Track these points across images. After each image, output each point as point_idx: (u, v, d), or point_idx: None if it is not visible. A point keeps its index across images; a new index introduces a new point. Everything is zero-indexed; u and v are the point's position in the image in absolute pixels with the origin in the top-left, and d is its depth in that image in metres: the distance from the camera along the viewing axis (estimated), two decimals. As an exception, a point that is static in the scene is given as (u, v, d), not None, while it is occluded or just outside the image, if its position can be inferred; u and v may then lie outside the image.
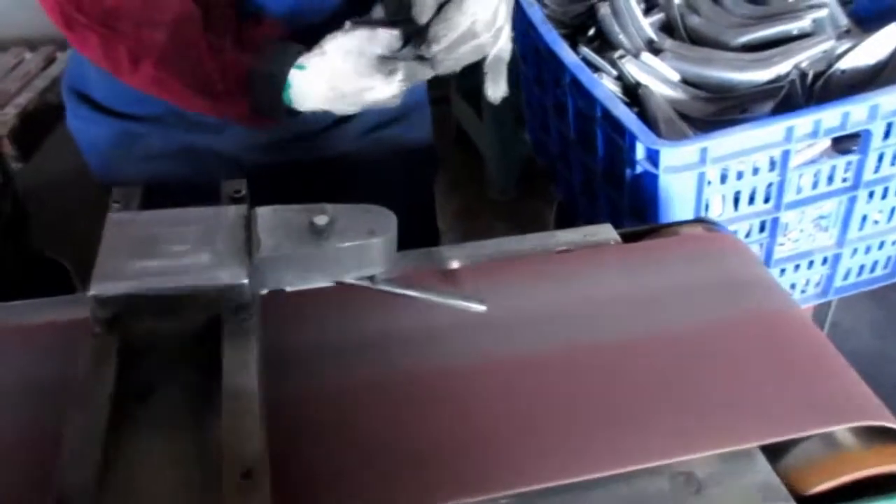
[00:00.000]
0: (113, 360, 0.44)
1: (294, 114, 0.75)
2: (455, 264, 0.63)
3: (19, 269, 1.15)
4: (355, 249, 0.49)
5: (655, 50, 1.00)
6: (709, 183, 0.84)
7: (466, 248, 0.65)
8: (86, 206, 1.34)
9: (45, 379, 0.51)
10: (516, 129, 1.91)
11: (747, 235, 0.92)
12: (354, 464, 0.46)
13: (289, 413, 0.48)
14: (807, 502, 0.49)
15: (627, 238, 0.68)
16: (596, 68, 0.99)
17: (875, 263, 1.00)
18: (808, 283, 1.00)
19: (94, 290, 0.45)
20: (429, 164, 1.11)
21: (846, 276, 1.00)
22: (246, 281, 0.46)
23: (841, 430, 0.52)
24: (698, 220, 0.72)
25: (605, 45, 1.07)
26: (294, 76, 0.71)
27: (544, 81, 1.11)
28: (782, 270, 0.96)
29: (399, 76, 0.68)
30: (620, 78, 0.98)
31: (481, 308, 0.56)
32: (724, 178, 0.85)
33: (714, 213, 0.88)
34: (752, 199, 0.89)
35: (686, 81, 0.98)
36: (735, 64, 0.95)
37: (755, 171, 0.85)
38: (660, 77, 0.97)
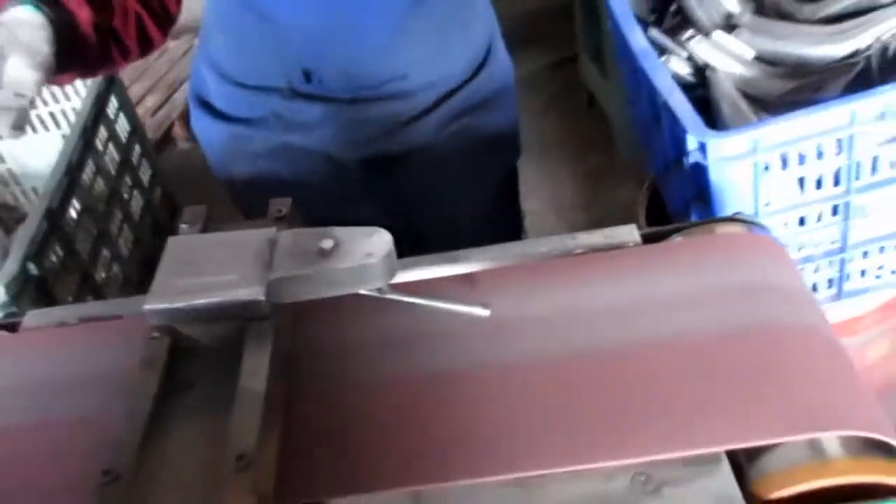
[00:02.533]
0: (163, 359, 0.56)
1: None
2: (475, 267, 0.69)
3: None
4: (355, 270, 0.56)
5: (732, 26, 0.97)
6: (766, 169, 0.82)
7: (488, 252, 0.70)
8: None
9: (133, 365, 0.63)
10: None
11: (819, 220, 0.88)
12: (372, 446, 0.55)
13: (316, 401, 0.58)
14: (776, 507, 0.51)
15: (650, 239, 0.70)
16: (667, 50, 0.98)
17: (980, 245, 0.93)
18: (898, 265, 0.94)
19: (148, 304, 0.57)
20: (512, 149, 1.14)
21: (945, 259, 0.94)
22: (262, 298, 0.56)
23: (824, 438, 0.53)
24: (735, 218, 0.71)
25: (686, 20, 1.05)
26: None
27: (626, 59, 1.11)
28: (864, 253, 0.92)
29: None
30: (692, 59, 0.97)
31: (484, 313, 0.61)
32: (785, 163, 0.83)
33: (778, 200, 0.86)
34: (820, 184, 0.86)
35: (760, 59, 0.94)
36: (812, 38, 0.90)
37: (819, 154, 0.82)
38: (732, 55, 0.94)
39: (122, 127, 1.25)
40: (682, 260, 0.66)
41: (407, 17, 0.90)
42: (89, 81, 1.22)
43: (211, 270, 0.58)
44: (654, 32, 1.00)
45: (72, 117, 1.36)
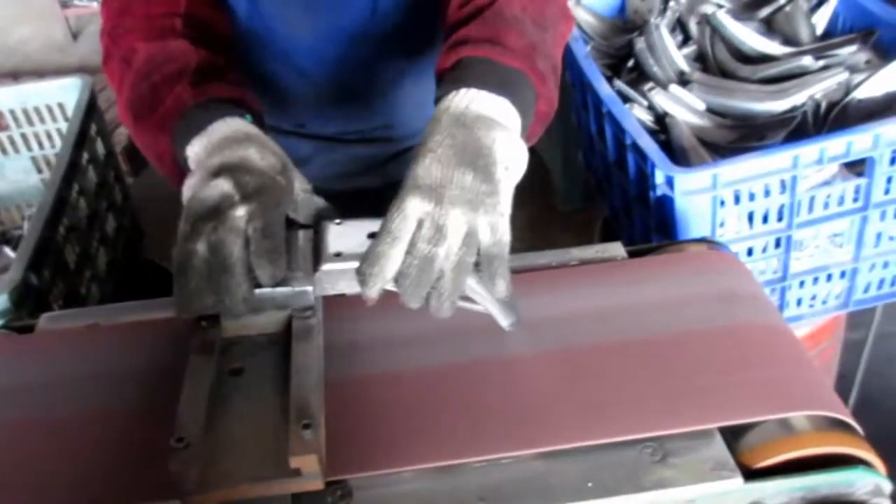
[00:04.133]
0: (215, 346, 0.60)
1: None
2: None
3: (135, 276, 1.35)
4: (395, 265, 0.63)
5: (685, 81, 1.11)
6: (722, 204, 0.94)
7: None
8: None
9: (152, 365, 0.66)
10: (576, 146, 2.02)
11: (764, 251, 1.01)
12: (390, 425, 0.60)
13: (345, 388, 0.63)
14: (759, 475, 0.59)
15: (635, 255, 0.79)
16: (629, 99, 1.10)
17: (895, 277, 1.07)
18: (828, 295, 1.07)
19: (201, 294, 0.61)
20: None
21: (866, 290, 1.07)
22: (310, 288, 0.61)
23: (795, 416, 0.62)
24: (703, 240, 0.82)
25: (642, 75, 1.18)
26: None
27: (588, 108, 1.23)
28: (801, 283, 1.05)
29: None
30: (652, 108, 1.09)
31: (505, 323, 0.68)
32: (737, 199, 0.95)
33: (731, 231, 0.98)
34: (766, 218, 0.98)
35: (711, 110, 1.08)
36: (755, 95, 1.04)
37: (766, 193, 0.95)
38: (686, 106, 1.07)
39: (100, 150, 1.27)
40: (664, 271, 0.76)
41: (396, 82, 0.98)
42: (72, 103, 1.24)
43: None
44: (619, 83, 1.12)
45: (44, 139, 1.37)
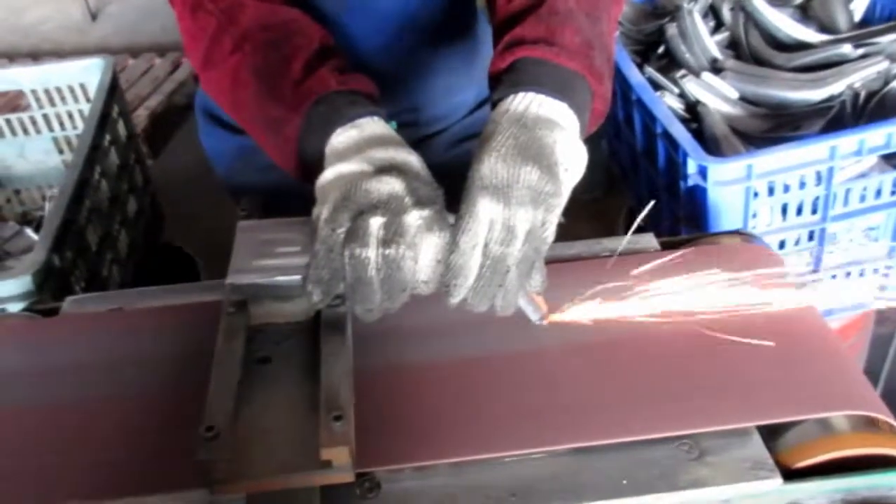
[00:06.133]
0: (242, 333, 0.59)
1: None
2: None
3: (154, 260, 1.34)
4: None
5: (718, 69, 1.08)
6: (756, 195, 0.92)
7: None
8: (210, 202, 1.53)
9: (176, 350, 0.66)
10: (600, 133, 1.99)
11: (796, 244, 0.99)
12: (419, 417, 0.59)
13: (373, 378, 0.62)
14: (797, 475, 0.58)
15: (667, 247, 0.77)
16: (659, 86, 1.08)
17: (931, 273, 1.04)
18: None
19: (229, 281, 0.60)
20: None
21: (900, 284, 1.05)
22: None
23: (834, 416, 0.60)
24: (737, 232, 0.80)
25: (672, 61, 1.16)
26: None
27: (616, 95, 1.20)
28: (833, 277, 1.03)
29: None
30: (683, 95, 1.07)
31: (535, 316, 0.66)
32: (771, 191, 0.93)
33: (763, 223, 0.96)
34: (800, 211, 0.96)
35: (744, 99, 1.05)
36: (791, 83, 1.02)
37: (802, 185, 0.92)
38: (719, 95, 1.05)
39: (122, 132, 1.27)
40: (698, 264, 0.73)
41: (425, 65, 0.95)
42: (94, 83, 1.23)
43: (286, 251, 0.62)
44: (650, 70, 1.10)
45: (65, 120, 1.36)
